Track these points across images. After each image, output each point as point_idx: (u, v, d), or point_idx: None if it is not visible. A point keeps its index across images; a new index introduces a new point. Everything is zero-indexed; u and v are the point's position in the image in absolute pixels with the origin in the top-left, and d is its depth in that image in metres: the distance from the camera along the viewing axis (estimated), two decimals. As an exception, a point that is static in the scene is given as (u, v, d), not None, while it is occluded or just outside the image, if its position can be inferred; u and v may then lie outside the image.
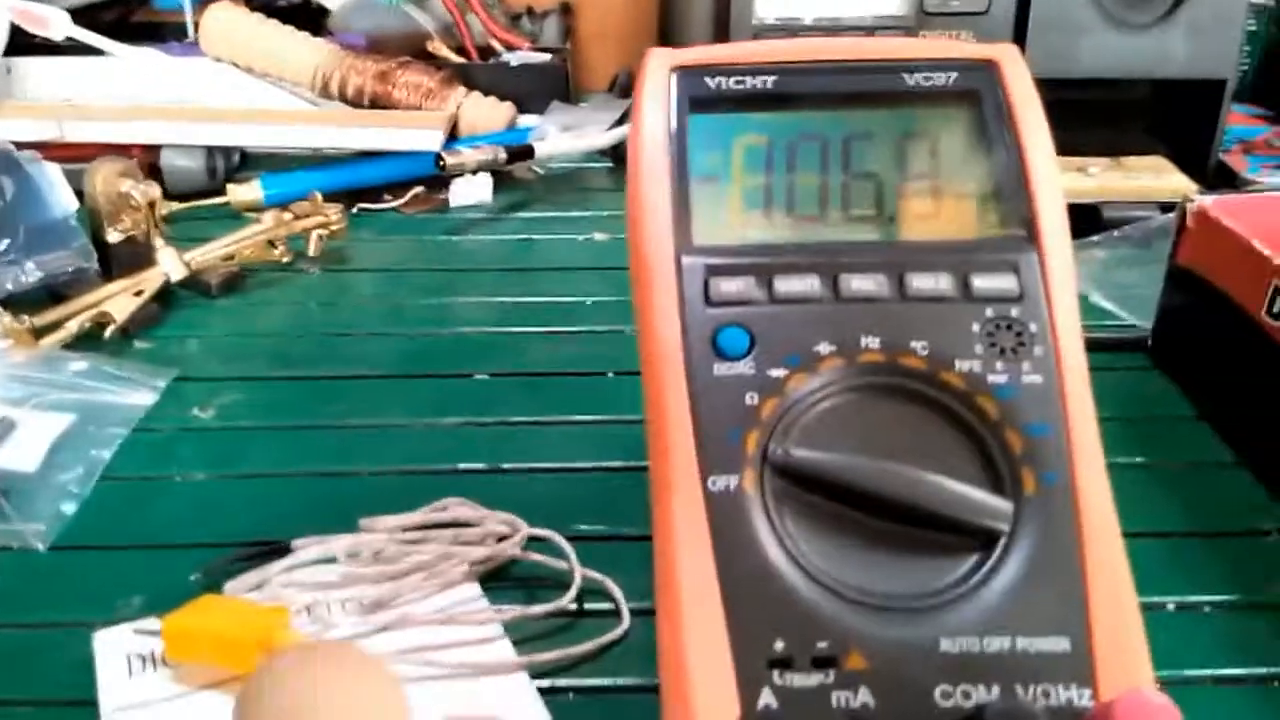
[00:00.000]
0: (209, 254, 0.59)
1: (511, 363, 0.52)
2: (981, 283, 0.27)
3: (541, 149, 0.73)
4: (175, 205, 0.63)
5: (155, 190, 0.57)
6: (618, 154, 0.78)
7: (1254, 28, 0.77)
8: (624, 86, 0.90)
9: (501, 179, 0.75)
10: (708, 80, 0.29)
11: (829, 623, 0.24)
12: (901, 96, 0.29)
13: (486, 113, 0.78)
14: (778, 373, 0.26)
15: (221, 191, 0.69)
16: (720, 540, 0.25)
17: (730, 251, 0.28)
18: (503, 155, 0.70)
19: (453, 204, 0.73)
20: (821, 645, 0.24)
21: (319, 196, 0.63)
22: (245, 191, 0.68)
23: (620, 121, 0.79)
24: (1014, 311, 0.27)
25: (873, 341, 0.27)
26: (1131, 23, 0.63)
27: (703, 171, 0.29)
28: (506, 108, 0.78)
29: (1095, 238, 0.62)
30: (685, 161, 0.28)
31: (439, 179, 0.72)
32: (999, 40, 0.61)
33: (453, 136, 0.76)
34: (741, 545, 0.25)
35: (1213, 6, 0.64)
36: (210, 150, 0.73)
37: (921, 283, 0.27)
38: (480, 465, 0.44)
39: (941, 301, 0.27)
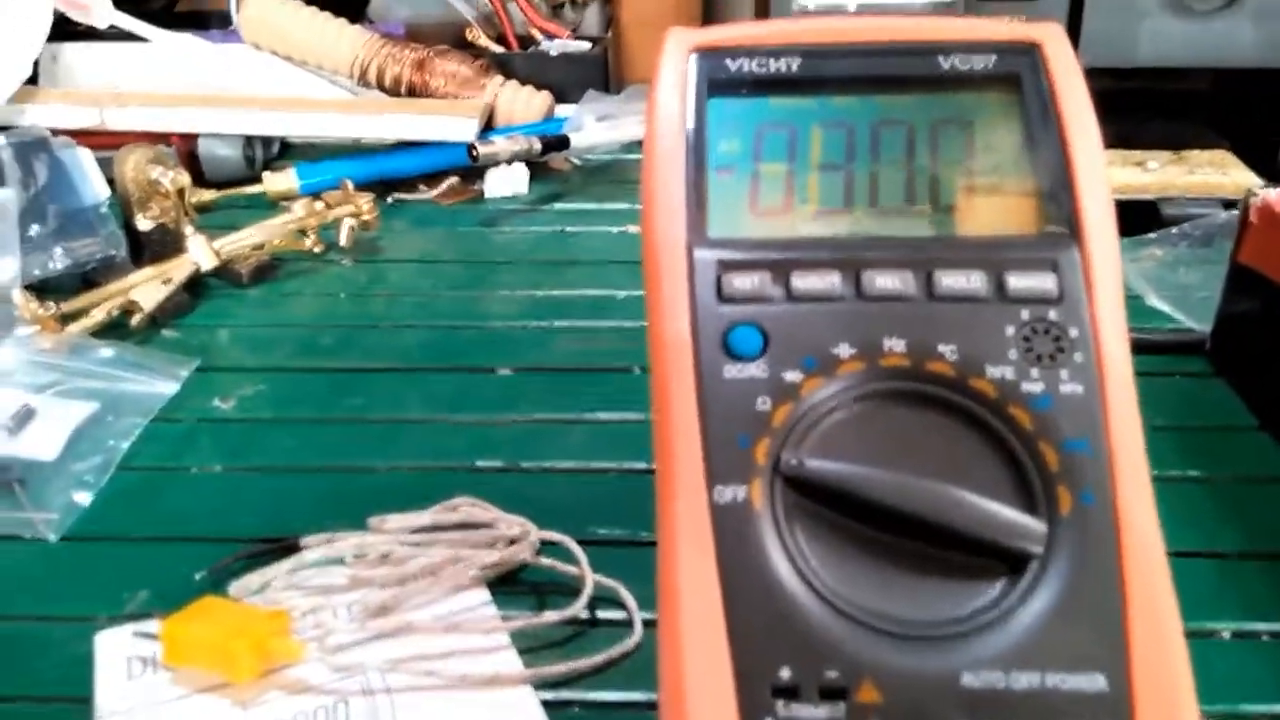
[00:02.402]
0: (239, 243, 0.58)
1: (536, 358, 0.51)
2: (1017, 282, 0.25)
3: (577, 140, 0.71)
4: (207, 194, 0.63)
5: (185, 177, 0.56)
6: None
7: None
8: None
9: (537, 170, 0.74)
10: (729, 62, 0.27)
11: (840, 649, 0.22)
12: (935, 81, 0.27)
13: (524, 102, 0.76)
14: (793, 376, 0.24)
15: (259, 181, 0.68)
16: (725, 555, 0.23)
17: (747, 245, 0.26)
18: (537, 146, 0.69)
19: (488, 195, 0.71)
20: (831, 674, 0.22)
21: (350, 185, 0.62)
22: (280, 180, 0.68)
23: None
24: (1052, 314, 0.25)
25: (897, 344, 0.25)
26: (1194, 8, 0.60)
27: (721, 159, 0.27)
28: (544, 97, 0.77)
29: (1152, 235, 0.59)
30: (703, 148, 0.27)
31: (474, 170, 0.71)
32: (1053, 27, 0.59)
33: (490, 127, 0.75)
34: (748, 561, 0.23)
35: (1284, -9, 0.60)
36: (249, 139, 0.73)
37: (952, 281, 0.25)
38: (498, 463, 0.43)
39: (973, 302, 0.25)
